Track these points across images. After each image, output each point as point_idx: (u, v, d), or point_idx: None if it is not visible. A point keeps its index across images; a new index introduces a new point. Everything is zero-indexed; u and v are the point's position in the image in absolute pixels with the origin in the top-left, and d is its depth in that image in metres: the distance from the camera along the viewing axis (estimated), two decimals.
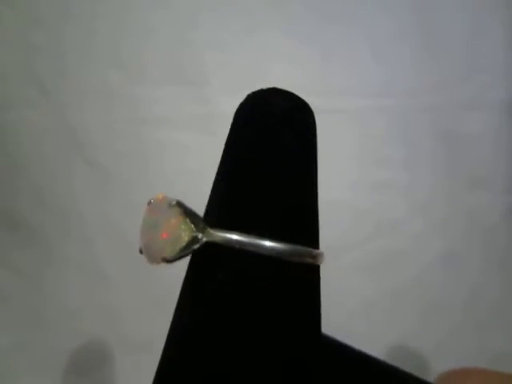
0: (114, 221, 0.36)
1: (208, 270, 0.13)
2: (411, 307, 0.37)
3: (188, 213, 0.12)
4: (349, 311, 0.36)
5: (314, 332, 0.12)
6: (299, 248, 0.12)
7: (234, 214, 0.13)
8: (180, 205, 0.13)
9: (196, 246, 0.12)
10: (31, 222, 0.36)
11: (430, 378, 0.17)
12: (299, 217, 0.13)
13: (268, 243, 0.12)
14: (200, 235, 0.12)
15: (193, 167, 0.36)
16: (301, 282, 0.12)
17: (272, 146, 0.13)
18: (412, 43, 0.38)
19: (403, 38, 0.38)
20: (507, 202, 0.39)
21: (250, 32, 0.37)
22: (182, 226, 0.12)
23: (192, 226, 0.12)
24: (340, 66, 0.38)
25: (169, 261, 0.12)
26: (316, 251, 0.13)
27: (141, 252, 0.14)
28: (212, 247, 0.12)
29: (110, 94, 0.36)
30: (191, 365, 0.12)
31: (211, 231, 0.12)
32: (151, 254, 0.13)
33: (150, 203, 0.14)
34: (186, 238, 0.12)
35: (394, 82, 0.38)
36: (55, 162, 0.36)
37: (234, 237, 0.12)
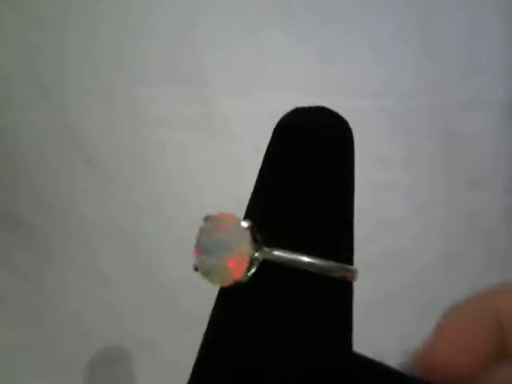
0: (114, 221, 0.36)
1: (255, 286, 0.13)
2: (411, 307, 0.37)
3: (255, 233, 0.13)
4: None
5: (347, 349, 0.13)
6: (340, 265, 0.13)
7: (280, 232, 0.13)
8: (252, 227, 0.13)
9: (257, 266, 0.13)
10: (31, 221, 0.36)
11: None
12: (338, 234, 0.13)
13: (316, 260, 0.12)
14: (258, 254, 0.13)
15: (193, 167, 0.36)
16: (338, 298, 0.13)
17: (317, 165, 0.14)
18: (412, 43, 0.38)
19: (403, 38, 0.38)
20: (507, 202, 0.39)
21: (251, 32, 0.37)
22: (253, 249, 0.13)
23: (257, 247, 0.13)
24: (340, 66, 0.38)
25: (239, 283, 0.13)
26: (352, 267, 0.13)
27: (196, 269, 0.13)
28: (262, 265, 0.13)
29: (110, 94, 0.36)
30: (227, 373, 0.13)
31: (266, 250, 0.13)
32: (218, 274, 0.13)
33: (208, 219, 0.13)
34: (253, 259, 0.13)
35: (394, 82, 0.38)
36: (55, 161, 0.36)
37: (288, 255, 0.12)
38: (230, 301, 0.13)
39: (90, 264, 0.36)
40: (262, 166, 0.14)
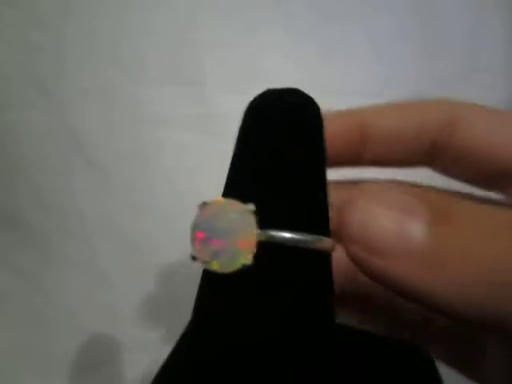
0: (114, 220, 0.36)
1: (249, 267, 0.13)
2: None
3: (256, 216, 0.13)
4: None
5: (331, 316, 0.14)
6: (319, 237, 0.13)
7: (261, 211, 0.13)
8: (255, 212, 0.13)
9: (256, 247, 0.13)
10: (31, 221, 0.36)
11: None
12: (313, 210, 0.14)
13: (298, 235, 0.13)
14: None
15: (193, 167, 0.36)
16: (321, 270, 0.14)
17: (288, 145, 0.14)
18: (412, 43, 0.38)
19: (404, 37, 0.38)
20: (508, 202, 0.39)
21: (250, 31, 0.37)
22: (256, 233, 0.13)
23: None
24: (340, 65, 0.38)
25: (246, 266, 0.13)
26: (329, 239, 0.14)
27: (193, 258, 0.13)
28: None
29: (110, 93, 0.36)
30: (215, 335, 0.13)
31: (259, 231, 0.13)
32: (226, 259, 0.13)
33: (204, 207, 0.13)
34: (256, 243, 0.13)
35: (395, 81, 0.38)
36: (55, 161, 0.36)
37: (278, 234, 0.13)
38: (220, 283, 0.13)
39: (90, 264, 0.36)
40: (235, 147, 0.15)
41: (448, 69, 0.38)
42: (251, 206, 0.13)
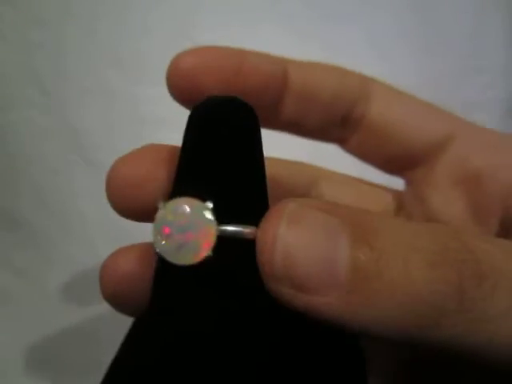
0: (114, 220, 0.36)
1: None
2: None
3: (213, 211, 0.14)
4: None
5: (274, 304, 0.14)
6: (249, 227, 0.14)
7: (218, 209, 0.15)
8: (212, 209, 0.14)
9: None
10: (32, 222, 0.36)
11: None
12: (258, 206, 0.15)
13: (230, 227, 0.14)
14: None
15: None
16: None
17: (229, 148, 0.16)
18: (413, 42, 0.38)
19: (404, 37, 0.38)
20: None
21: (250, 30, 0.37)
22: (214, 228, 0.14)
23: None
24: (340, 64, 0.38)
25: (207, 257, 0.14)
26: (252, 228, 0.15)
27: (158, 253, 0.14)
28: None
29: (110, 93, 0.36)
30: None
31: (216, 227, 0.14)
32: (188, 252, 0.14)
33: (165, 204, 0.15)
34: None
35: (394, 81, 0.38)
36: (55, 161, 0.36)
37: (229, 228, 0.14)
38: (175, 274, 0.15)
39: (90, 264, 0.36)
40: (181, 151, 0.16)
41: (448, 68, 0.38)
42: (210, 204, 0.14)
